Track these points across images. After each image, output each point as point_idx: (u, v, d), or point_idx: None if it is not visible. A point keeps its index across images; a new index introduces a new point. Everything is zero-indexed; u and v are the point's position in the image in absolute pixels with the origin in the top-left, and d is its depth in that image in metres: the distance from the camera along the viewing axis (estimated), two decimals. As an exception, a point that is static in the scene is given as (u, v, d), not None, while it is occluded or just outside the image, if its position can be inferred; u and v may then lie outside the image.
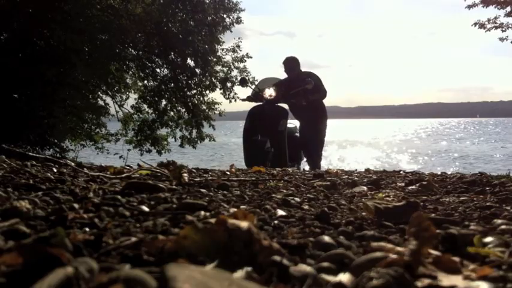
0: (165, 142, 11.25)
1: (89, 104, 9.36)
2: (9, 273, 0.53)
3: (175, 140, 11.43)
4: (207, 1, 10.16)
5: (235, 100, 10.72)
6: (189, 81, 10.75)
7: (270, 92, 5.25)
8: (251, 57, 11.27)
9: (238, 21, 10.64)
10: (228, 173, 2.63)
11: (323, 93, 5.46)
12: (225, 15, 10.43)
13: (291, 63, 5.56)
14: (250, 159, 4.84)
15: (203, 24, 9.99)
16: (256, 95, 5.55)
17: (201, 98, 11.14)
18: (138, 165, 2.55)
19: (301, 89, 5.15)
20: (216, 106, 11.20)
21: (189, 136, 11.28)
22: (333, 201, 1.54)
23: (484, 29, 11.06)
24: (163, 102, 11.09)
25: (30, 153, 2.70)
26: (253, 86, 5.80)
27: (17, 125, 7.23)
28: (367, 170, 3.33)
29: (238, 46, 10.99)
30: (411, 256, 0.64)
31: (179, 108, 11.14)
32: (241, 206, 1.29)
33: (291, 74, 5.57)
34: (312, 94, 5.33)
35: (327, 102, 5.71)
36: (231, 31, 10.66)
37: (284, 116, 5.20)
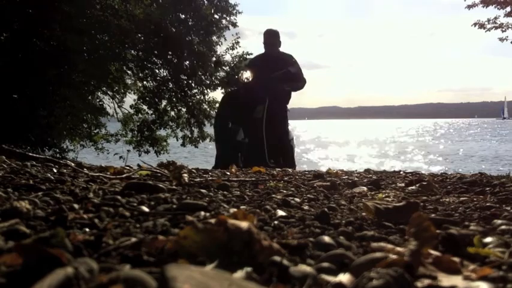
0: (165, 143, 11.25)
1: (88, 104, 9.37)
2: (9, 273, 0.53)
3: (177, 140, 11.42)
4: (206, 2, 10.17)
5: None
6: (189, 81, 10.76)
7: (247, 75, 4.57)
8: (251, 54, 11.24)
9: (234, 24, 10.61)
10: (228, 173, 2.63)
11: (303, 82, 4.81)
12: (224, 15, 10.43)
13: (273, 38, 4.77)
14: (219, 153, 4.17)
15: (201, 25, 9.99)
16: (231, 79, 4.97)
17: (202, 97, 11.16)
18: (138, 165, 2.55)
19: (283, 72, 4.51)
20: (217, 105, 11.22)
21: (190, 135, 11.29)
22: (333, 202, 1.53)
23: (484, 29, 11.07)
24: (164, 102, 11.11)
25: (30, 154, 2.70)
26: (226, 68, 5.31)
27: (17, 125, 7.24)
28: (367, 171, 3.33)
29: (237, 43, 10.98)
30: (411, 256, 0.64)
31: (180, 107, 11.15)
32: (241, 206, 1.29)
33: (270, 50, 4.80)
34: (295, 81, 4.70)
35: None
36: (225, 35, 10.65)
37: (261, 101, 4.49)
